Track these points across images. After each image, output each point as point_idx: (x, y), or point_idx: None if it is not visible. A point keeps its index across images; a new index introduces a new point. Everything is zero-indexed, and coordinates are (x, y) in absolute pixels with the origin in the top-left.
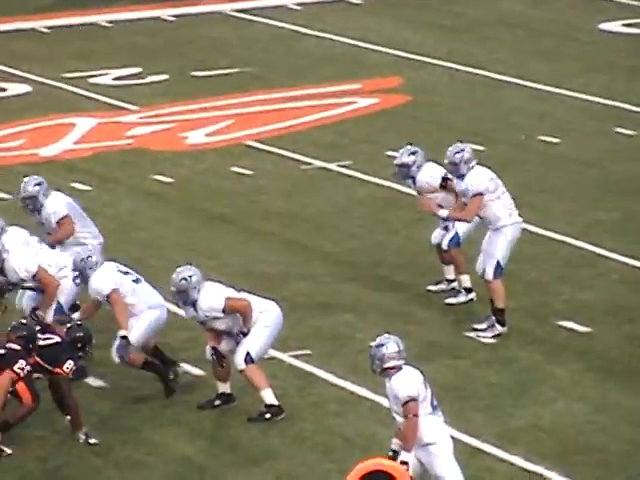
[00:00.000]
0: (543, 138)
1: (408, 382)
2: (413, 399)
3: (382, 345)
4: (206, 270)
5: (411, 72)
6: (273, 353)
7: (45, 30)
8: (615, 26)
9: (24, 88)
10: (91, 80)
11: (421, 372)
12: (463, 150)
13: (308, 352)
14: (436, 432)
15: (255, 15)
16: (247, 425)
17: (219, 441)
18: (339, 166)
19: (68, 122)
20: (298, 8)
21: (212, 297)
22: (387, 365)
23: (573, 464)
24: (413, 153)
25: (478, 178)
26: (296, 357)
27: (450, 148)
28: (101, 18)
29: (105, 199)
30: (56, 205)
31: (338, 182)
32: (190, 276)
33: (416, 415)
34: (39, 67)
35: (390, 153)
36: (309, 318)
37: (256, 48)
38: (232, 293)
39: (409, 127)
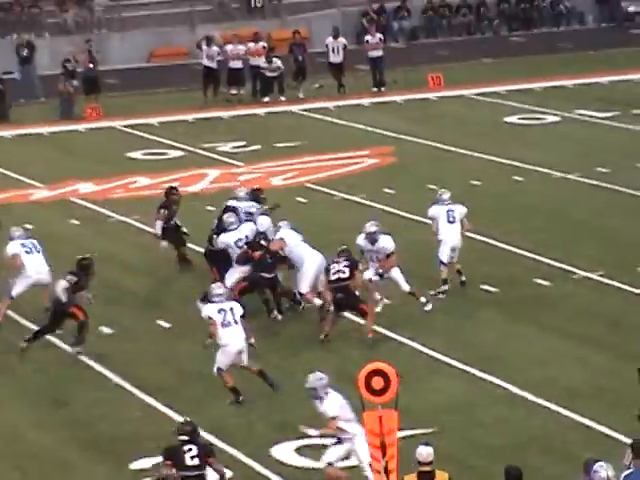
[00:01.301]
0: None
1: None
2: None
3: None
4: None
5: (399, 145)
6: None
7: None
8: None
9: (179, 153)
10: (218, 149)
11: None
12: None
13: None
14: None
15: (308, 112)
16: None
17: None
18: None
19: (204, 172)
20: (333, 108)
21: None
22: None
23: None
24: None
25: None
26: None
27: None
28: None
29: None
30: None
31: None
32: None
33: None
34: (189, 141)
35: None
36: None
37: (308, 131)
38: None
39: (396, 175)
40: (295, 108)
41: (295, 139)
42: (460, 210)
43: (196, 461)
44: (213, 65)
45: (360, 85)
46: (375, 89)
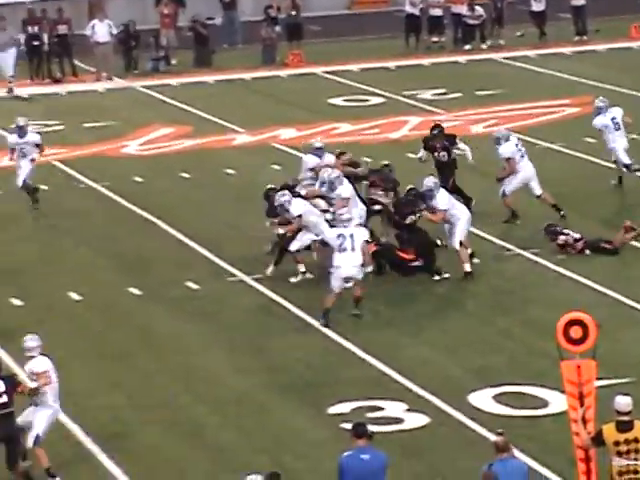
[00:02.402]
0: None
1: None
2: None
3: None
4: None
5: (600, 94)
6: None
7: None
8: None
9: (380, 100)
10: (418, 96)
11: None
12: None
13: None
14: None
15: (509, 60)
16: None
17: None
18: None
19: (405, 119)
20: (534, 56)
21: None
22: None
23: None
24: None
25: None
26: None
27: None
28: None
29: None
30: None
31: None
32: None
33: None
34: (390, 88)
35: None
36: None
37: (509, 79)
38: None
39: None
40: (496, 56)
41: (496, 87)
42: (619, 112)
43: (4, 398)
44: (415, 12)
45: (562, 34)
46: (577, 38)
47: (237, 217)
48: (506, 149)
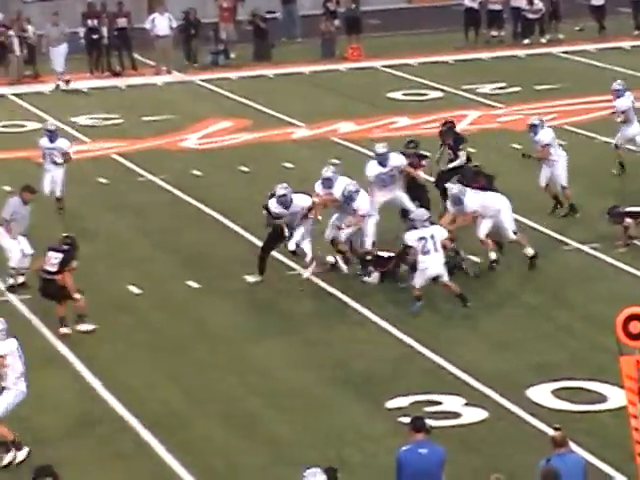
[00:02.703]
0: None
1: None
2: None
3: None
4: None
5: None
6: None
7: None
8: None
9: (439, 94)
10: (477, 90)
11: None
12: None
13: None
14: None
15: (569, 54)
16: None
17: None
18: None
19: (463, 113)
20: (593, 50)
21: None
22: None
23: None
24: None
25: None
26: None
27: None
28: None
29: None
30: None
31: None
32: None
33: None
34: (449, 82)
35: None
36: None
37: (569, 73)
38: None
39: None
40: (555, 50)
41: (555, 81)
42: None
43: None
44: (474, 6)
45: (621, 28)
46: (637, 32)
47: None
48: (546, 136)
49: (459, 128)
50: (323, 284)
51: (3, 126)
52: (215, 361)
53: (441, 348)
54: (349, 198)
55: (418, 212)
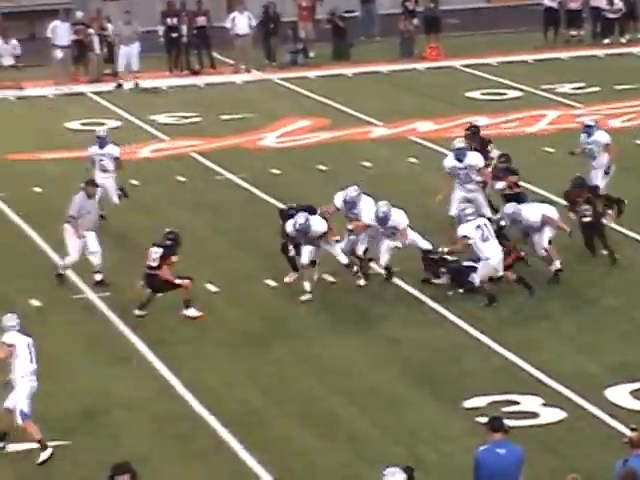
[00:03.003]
0: None
1: None
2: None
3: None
4: None
5: None
6: None
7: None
8: None
9: (518, 94)
10: (556, 90)
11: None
12: None
13: None
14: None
15: None
16: None
17: None
18: None
19: (542, 113)
20: None
21: None
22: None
23: None
24: None
25: None
26: None
27: None
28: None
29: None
30: None
31: None
32: None
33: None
34: (528, 81)
35: None
36: None
37: None
38: None
39: None
40: (635, 50)
41: (635, 81)
42: None
43: None
44: (554, 5)
45: None
46: None
47: None
48: (603, 136)
49: (537, 127)
50: (400, 282)
51: (82, 124)
52: (293, 360)
53: (519, 348)
54: (384, 219)
55: (464, 206)
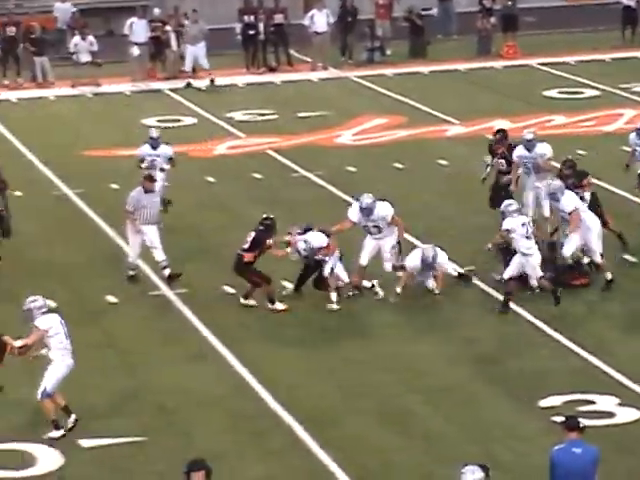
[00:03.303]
0: None
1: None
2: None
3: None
4: None
5: None
6: None
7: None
8: None
9: (595, 93)
10: (634, 89)
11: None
12: None
13: None
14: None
15: None
16: None
17: None
18: None
19: (620, 112)
20: None
21: None
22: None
23: None
24: None
25: None
26: None
27: None
28: None
29: None
30: None
31: None
32: None
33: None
34: (606, 80)
35: None
36: None
37: None
38: None
39: None
40: None
41: None
42: None
43: None
44: (632, 4)
45: None
46: None
47: (449, 208)
48: None
49: (615, 127)
50: (477, 282)
51: (159, 120)
52: (369, 358)
53: (596, 347)
54: (368, 210)
55: (506, 202)
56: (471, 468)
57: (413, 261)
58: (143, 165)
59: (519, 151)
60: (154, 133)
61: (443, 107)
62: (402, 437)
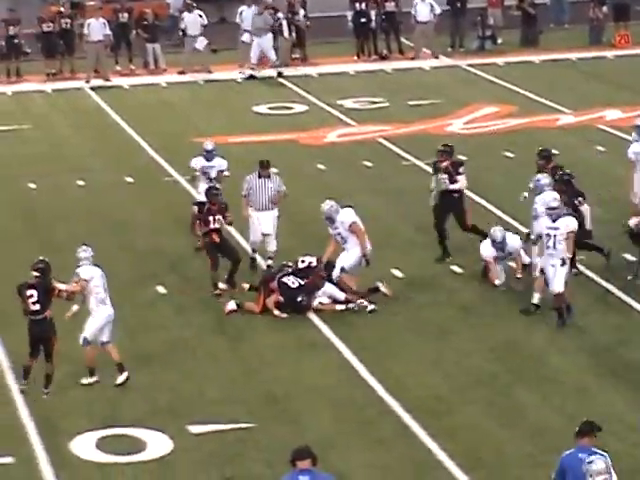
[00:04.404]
0: None
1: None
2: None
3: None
4: None
5: None
6: None
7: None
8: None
9: None
10: None
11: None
12: None
13: None
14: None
15: None
16: None
17: None
18: None
19: None
20: None
21: None
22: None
23: None
24: None
25: None
26: None
27: None
28: None
29: None
30: None
31: None
32: None
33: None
34: None
35: None
36: None
37: None
38: None
39: None
40: None
41: None
42: None
43: (37, 306)
44: None
45: None
46: None
47: None
48: None
49: None
50: (586, 271)
51: (270, 108)
52: (478, 346)
53: None
54: (329, 218)
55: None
56: (596, 458)
57: (486, 250)
58: (196, 173)
59: (636, 147)
60: (209, 145)
61: (554, 96)
62: (511, 427)
